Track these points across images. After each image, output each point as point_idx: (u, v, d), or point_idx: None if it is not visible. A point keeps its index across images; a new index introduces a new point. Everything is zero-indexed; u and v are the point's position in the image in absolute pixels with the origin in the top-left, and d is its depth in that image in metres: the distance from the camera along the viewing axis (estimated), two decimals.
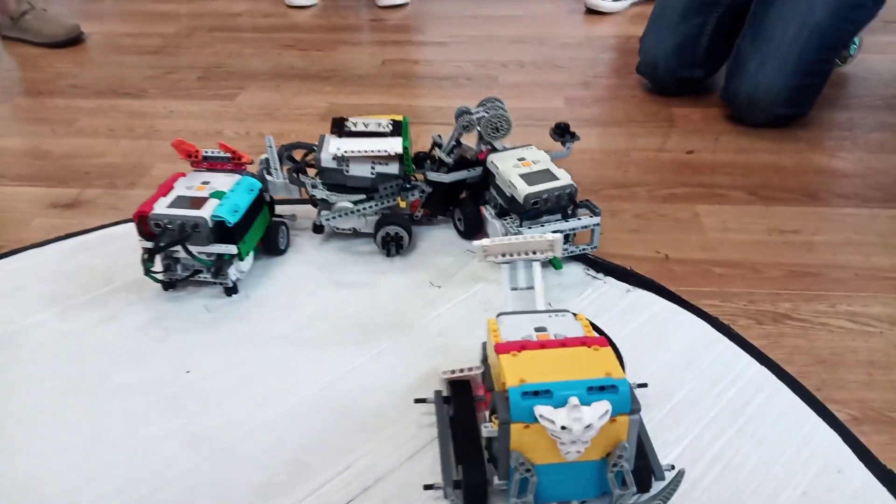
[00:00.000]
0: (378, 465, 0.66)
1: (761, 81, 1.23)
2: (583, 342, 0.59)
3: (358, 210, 0.93)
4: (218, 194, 0.88)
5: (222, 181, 0.91)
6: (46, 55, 1.74)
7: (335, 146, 0.91)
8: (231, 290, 0.88)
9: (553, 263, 0.90)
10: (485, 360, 0.68)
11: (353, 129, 0.96)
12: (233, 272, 0.87)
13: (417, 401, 0.72)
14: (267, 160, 0.99)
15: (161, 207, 0.86)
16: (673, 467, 0.64)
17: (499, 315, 0.66)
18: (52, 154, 1.27)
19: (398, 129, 0.96)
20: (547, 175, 0.90)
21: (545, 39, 1.75)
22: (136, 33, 1.88)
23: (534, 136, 1.27)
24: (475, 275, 0.91)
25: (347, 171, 0.92)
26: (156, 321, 0.85)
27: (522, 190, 0.87)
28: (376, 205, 0.93)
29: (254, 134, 1.32)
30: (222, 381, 0.77)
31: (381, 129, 0.96)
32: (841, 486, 0.64)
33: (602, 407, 0.53)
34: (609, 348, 0.59)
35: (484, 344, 0.70)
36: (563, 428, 0.52)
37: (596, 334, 0.62)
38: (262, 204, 0.93)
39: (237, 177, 0.93)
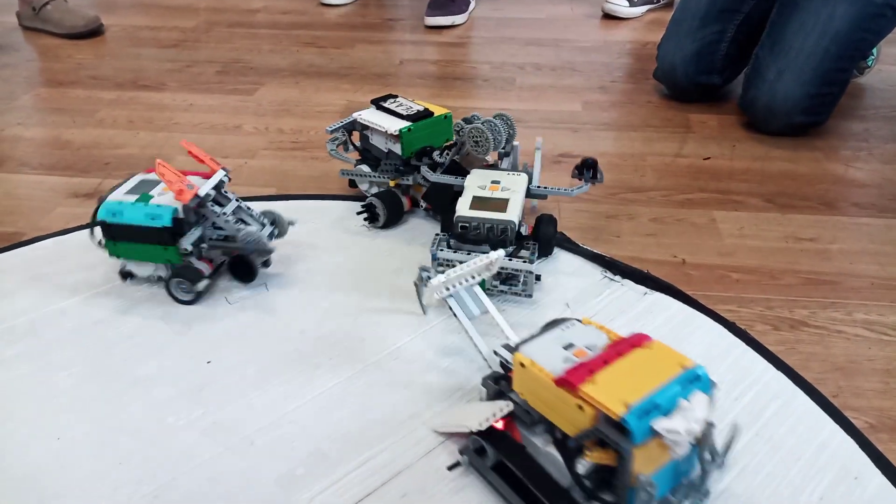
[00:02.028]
0: (398, 460, 0.67)
1: (779, 90, 1.23)
2: (632, 344, 0.59)
3: (368, 176, 1.02)
4: None
5: None
6: (66, 46, 1.76)
7: (360, 113, 1.04)
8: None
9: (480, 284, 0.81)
10: (499, 395, 0.65)
11: (389, 105, 1.03)
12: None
13: (451, 468, 0.66)
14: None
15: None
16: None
17: (516, 347, 0.62)
18: (73, 144, 1.28)
19: (420, 115, 0.99)
20: (497, 204, 0.85)
21: (562, 43, 1.76)
22: (155, 26, 1.89)
23: (552, 138, 1.29)
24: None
25: (371, 140, 1.02)
26: (176, 312, 0.86)
27: (458, 211, 0.85)
28: (378, 176, 1.01)
29: (272, 129, 1.33)
30: (243, 372, 0.77)
31: (405, 112, 1.00)
32: (857, 493, 0.64)
33: (702, 398, 0.54)
34: (659, 342, 0.59)
35: (490, 379, 0.67)
36: (687, 432, 0.52)
37: (615, 334, 0.62)
38: None
39: None
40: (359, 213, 1.01)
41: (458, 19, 1.88)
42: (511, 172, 0.92)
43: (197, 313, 0.86)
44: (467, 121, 0.97)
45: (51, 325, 0.84)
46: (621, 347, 0.59)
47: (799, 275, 0.93)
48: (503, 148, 0.96)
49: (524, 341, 0.62)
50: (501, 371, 0.68)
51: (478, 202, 0.86)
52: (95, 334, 0.83)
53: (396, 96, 1.06)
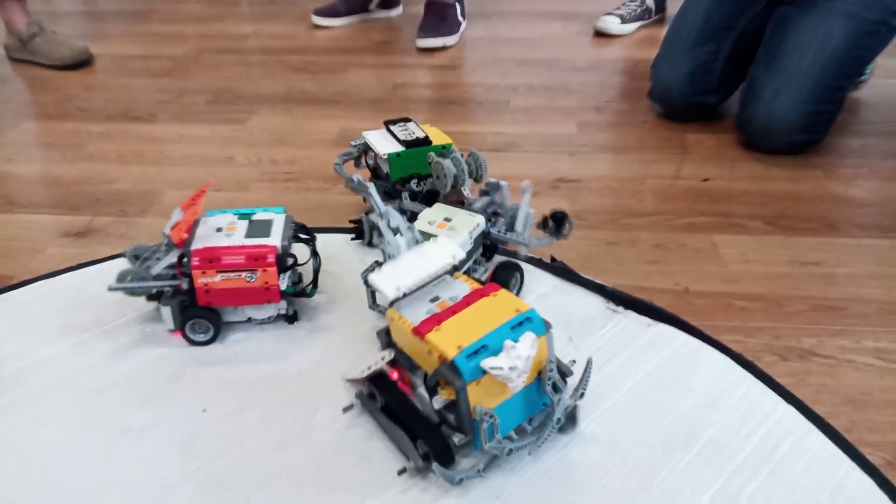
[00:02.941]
0: None
1: (777, 109, 1.22)
2: (481, 294, 0.67)
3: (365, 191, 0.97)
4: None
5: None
6: (55, 77, 1.74)
7: (368, 132, 1.07)
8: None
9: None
10: (389, 346, 0.72)
11: (394, 128, 1.05)
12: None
13: (346, 410, 0.75)
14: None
15: None
16: (574, 362, 0.72)
17: (390, 305, 0.69)
18: (62, 180, 1.26)
19: (414, 142, 1.01)
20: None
21: (554, 62, 1.75)
22: (145, 55, 1.88)
23: (548, 162, 1.27)
24: None
25: (377, 160, 1.03)
26: (169, 356, 0.84)
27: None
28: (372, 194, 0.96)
29: (265, 160, 1.31)
30: (240, 420, 0.75)
31: (404, 136, 1.02)
32: None
33: (529, 337, 0.62)
34: (504, 290, 0.68)
35: (383, 332, 0.73)
36: (510, 368, 0.60)
37: (479, 285, 0.69)
38: None
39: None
40: (350, 221, 1.05)
41: (449, 41, 1.87)
42: (471, 213, 0.88)
43: (191, 357, 0.84)
44: (442, 154, 0.95)
45: (38, 374, 0.82)
46: (471, 297, 0.67)
47: (805, 301, 0.91)
48: (463, 186, 0.93)
49: (403, 296, 0.68)
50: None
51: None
52: (84, 382, 0.81)
53: (409, 120, 1.07)
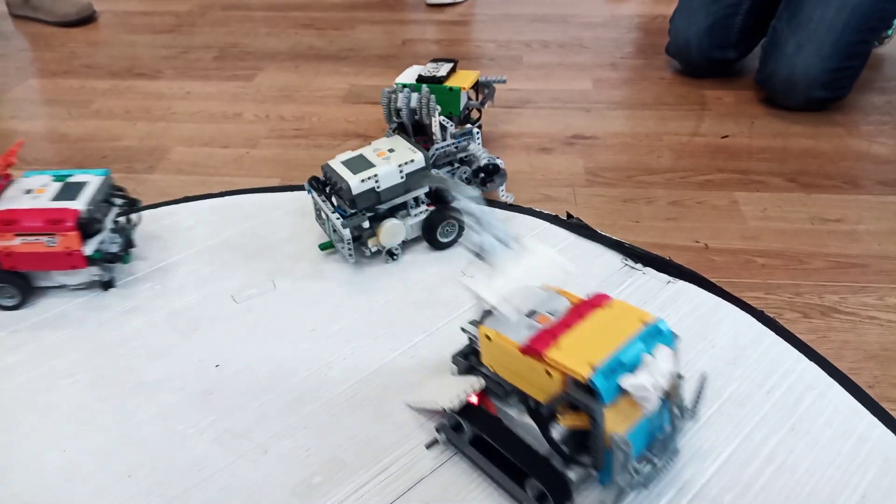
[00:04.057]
0: (418, 465, 0.64)
1: (799, 64, 1.19)
2: (593, 305, 0.59)
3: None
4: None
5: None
6: (58, 34, 1.71)
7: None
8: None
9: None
10: (469, 370, 0.65)
11: (429, 66, 1.06)
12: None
13: (429, 446, 0.65)
14: None
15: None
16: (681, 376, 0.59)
17: (479, 322, 0.61)
18: (69, 137, 1.24)
19: (430, 80, 1.02)
20: (361, 168, 0.84)
21: (568, 18, 1.70)
22: (149, 11, 1.84)
23: (563, 118, 1.24)
24: None
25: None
26: (181, 312, 0.83)
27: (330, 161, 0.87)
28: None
29: (273, 116, 1.29)
30: (253, 375, 0.74)
31: (425, 72, 1.04)
32: None
33: (666, 352, 0.54)
34: (619, 301, 0.59)
35: (460, 355, 0.66)
36: (653, 386, 0.52)
37: (577, 297, 0.61)
38: None
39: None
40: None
41: None
42: (414, 149, 0.87)
43: (202, 313, 0.83)
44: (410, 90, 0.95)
45: (51, 331, 0.81)
46: (582, 309, 0.58)
47: (827, 258, 0.89)
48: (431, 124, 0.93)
49: (488, 313, 0.60)
50: (470, 345, 0.67)
51: (350, 163, 0.86)
52: (98, 338, 0.80)
53: (454, 62, 1.07)
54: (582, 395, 0.52)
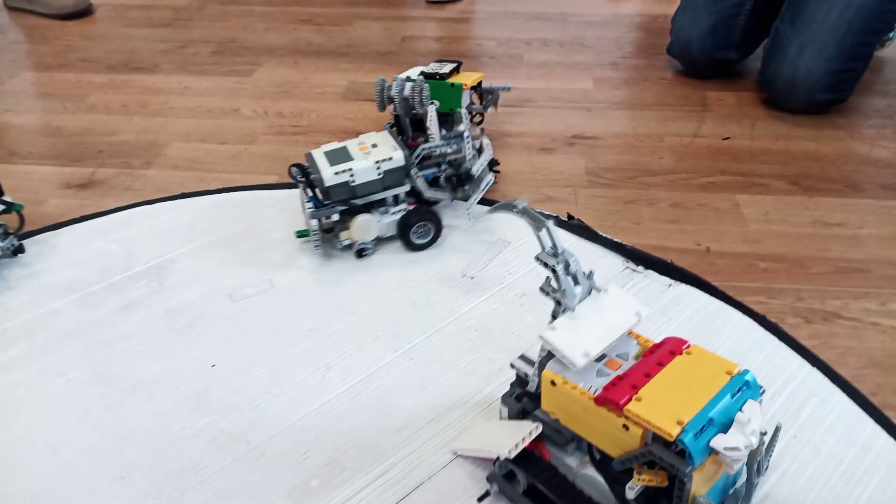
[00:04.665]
0: (416, 470, 0.63)
1: (801, 66, 1.18)
2: (671, 351, 0.54)
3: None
4: None
5: None
6: (54, 27, 1.69)
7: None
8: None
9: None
10: (523, 414, 0.61)
11: (433, 65, 1.04)
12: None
13: (481, 499, 0.60)
14: None
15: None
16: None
17: (541, 365, 0.56)
18: (64, 131, 1.23)
19: (433, 76, 1.00)
20: (341, 162, 0.84)
21: (569, 17, 1.69)
22: (147, 5, 1.82)
23: (564, 118, 1.24)
24: (508, 265, 0.88)
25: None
26: (178, 310, 0.82)
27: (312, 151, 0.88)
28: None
29: (272, 112, 1.28)
30: (250, 375, 0.73)
31: (428, 70, 1.02)
32: None
33: (755, 408, 0.50)
34: (697, 346, 0.55)
35: (512, 397, 0.62)
36: (745, 447, 0.48)
37: (649, 340, 0.57)
38: None
39: None
40: None
41: None
42: (397, 147, 0.87)
43: (199, 311, 0.82)
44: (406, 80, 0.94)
45: (46, 327, 0.80)
46: (661, 356, 0.54)
47: (829, 262, 0.89)
48: (426, 118, 0.90)
49: (550, 355, 0.56)
50: (520, 384, 0.62)
51: (331, 154, 0.86)
52: (93, 335, 0.79)
53: (459, 64, 1.05)
54: (667, 455, 0.48)
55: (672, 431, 0.47)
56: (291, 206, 0.98)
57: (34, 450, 0.66)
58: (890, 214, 0.98)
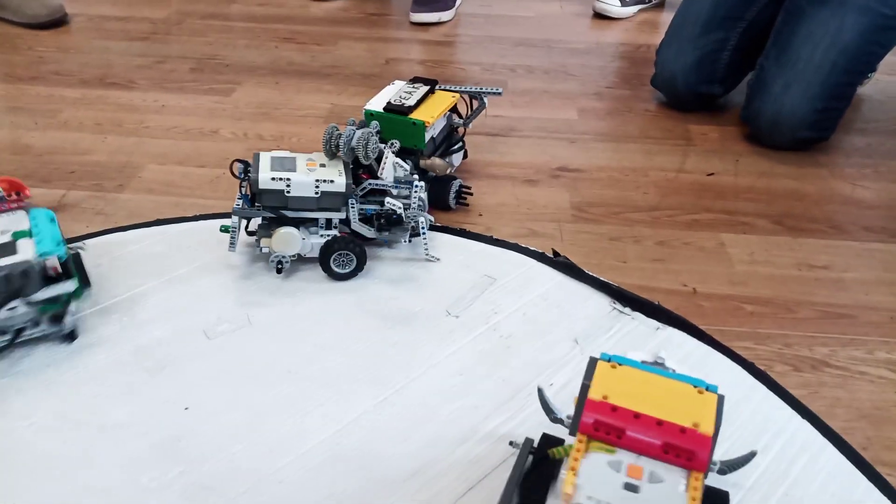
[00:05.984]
0: None
1: (786, 104, 1.18)
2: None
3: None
4: (21, 234, 0.76)
5: (10, 221, 0.78)
6: (26, 36, 1.64)
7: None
8: (71, 337, 0.78)
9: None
10: None
11: (407, 88, 1.01)
12: (69, 317, 0.77)
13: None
14: None
15: None
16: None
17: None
18: (33, 149, 1.18)
19: (396, 109, 0.96)
20: (288, 167, 0.85)
21: (553, 44, 1.69)
22: (124, 17, 1.78)
23: (548, 149, 1.22)
24: (494, 303, 0.86)
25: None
26: (149, 347, 0.78)
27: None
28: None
29: (252, 135, 1.25)
30: (225, 421, 0.70)
31: (396, 99, 0.98)
32: None
33: None
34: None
35: None
36: None
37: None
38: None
39: (22, 213, 0.80)
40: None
41: (444, 16, 1.80)
42: (344, 173, 0.86)
43: (171, 350, 0.78)
44: (360, 124, 0.93)
45: (8, 365, 0.76)
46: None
47: (815, 307, 0.88)
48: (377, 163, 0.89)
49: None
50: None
51: (276, 161, 0.86)
52: (58, 375, 0.75)
53: (434, 84, 1.03)
54: None
55: None
56: None
57: None
58: (873, 258, 0.98)
